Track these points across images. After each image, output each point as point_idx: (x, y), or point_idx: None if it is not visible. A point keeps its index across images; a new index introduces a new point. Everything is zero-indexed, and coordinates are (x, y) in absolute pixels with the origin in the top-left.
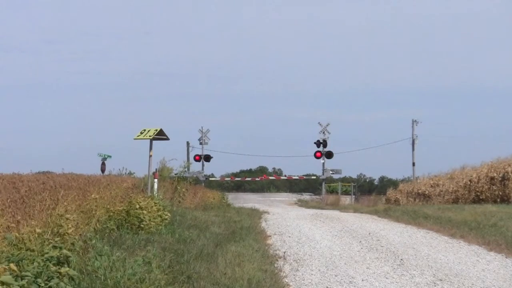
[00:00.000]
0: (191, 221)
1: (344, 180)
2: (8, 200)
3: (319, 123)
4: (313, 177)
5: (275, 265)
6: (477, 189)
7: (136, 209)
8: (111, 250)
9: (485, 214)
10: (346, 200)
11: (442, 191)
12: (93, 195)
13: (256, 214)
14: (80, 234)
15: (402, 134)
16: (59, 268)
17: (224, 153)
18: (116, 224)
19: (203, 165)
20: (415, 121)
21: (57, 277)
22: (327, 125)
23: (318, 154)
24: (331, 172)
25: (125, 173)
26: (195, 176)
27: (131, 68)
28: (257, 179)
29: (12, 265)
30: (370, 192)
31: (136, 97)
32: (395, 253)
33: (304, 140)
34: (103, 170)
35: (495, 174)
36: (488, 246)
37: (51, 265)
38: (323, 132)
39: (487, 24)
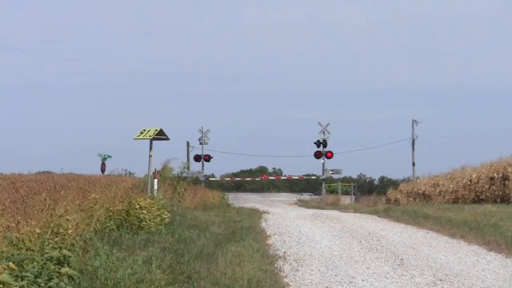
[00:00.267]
0: (191, 221)
1: (344, 180)
2: (8, 200)
3: (319, 123)
4: (313, 177)
5: (275, 265)
6: (477, 189)
7: (136, 209)
8: (111, 250)
9: (485, 214)
10: (346, 200)
11: (442, 191)
12: (93, 195)
13: (256, 214)
14: (80, 234)
15: (402, 134)
16: (59, 268)
17: (224, 153)
18: (116, 224)
19: (203, 165)
20: (415, 121)
21: (57, 277)
22: (327, 125)
23: (318, 154)
24: (331, 172)
25: (125, 173)
26: (195, 176)
27: (131, 68)
28: (257, 179)
29: (12, 264)
30: (370, 192)
31: (136, 97)
32: (395, 253)
33: (304, 140)
34: (103, 170)
35: (495, 174)
36: (488, 246)
37: (51, 265)
38: (323, 132)
39: (487, 24)
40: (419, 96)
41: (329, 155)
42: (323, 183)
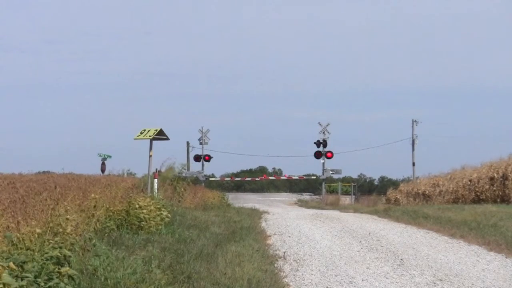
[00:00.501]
0: (191, 221)
1: (344, 180)
2: (8, 200)
3: (319, 123)
4: (313, 177)
5: (275, 265)
6: (477, 189)
7: (136, 209)
8: (110, 250)
9: (485, 214)
10: (346, 200)
11: (442, 191)
12: (93, 195)
13: (256, 214)
14: (80, 234)
15: (402, 134)
16: (59, 268)
17: (224, 153)
18: (116, 224)
19: (203, 165)
20: (415, 121)
21: (57, 277)
22: (327, 125)
23: (318, 154)
24: (331, 172)
25: (125, 173)
26: (195, 176)
27: (131, 68)
28: (257, 179)
29: (12, 264)
30: (370, 192)
31: (136, 97)
32: (395, 253)
33: (304, 140)
34: (103, 170)
35: (495, 174)
36: (488, 246)
37: (50, 265)
38: (323, 132)
39: (487, 24)
40: (419, 96)
41: (329, 155)
42: (323, 183)
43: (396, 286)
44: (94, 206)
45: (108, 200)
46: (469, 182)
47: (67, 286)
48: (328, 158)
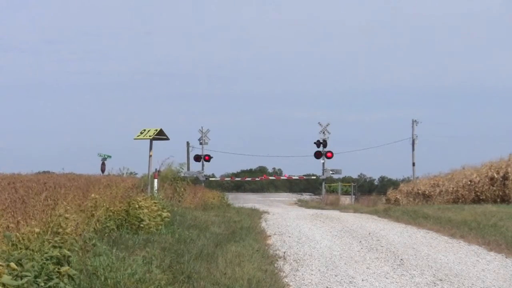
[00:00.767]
0: (191, 221)
1: (344, 180)
2: (8, 200)
3: (319, 123)
4: (313, 177)
5: (275, 265)
6: (477, 189)
7: (136, 208)
8: (110, 250)
9: (485, 214)
10: (346, 200)
11: (442, 191)
12: (92, 195)
13: (256, 214)
14: (80, 234)
15: (402, 134)
16: (58, 268)
17: (224, 153)
18: (116, 224)
19: (203, 165)
20: (415, 121)
21: (57, 277)
22: (327, 125)
23: (318, 154)
24: (331, 172)
25: (126, 172)
26: (195, 176)
27: (131, 68)
28: (257, 179)
29: (13, 264)
30: (370, 192)
31: (136, 97)
32: (395, 253)
33: (304, 140)
34: (103, 170)
35: (495, 174)
36: (488, 246)
37: (50, 265)
38: (323, 132)
39: (487, 24)
40: (419, 96)
41: (329, 155)
42: (323, 183)
43: (396, 286)
44: (94, 206)
45: (108, 200)
46: (469, 182)
47: (67, 286)
48: (328, 158)
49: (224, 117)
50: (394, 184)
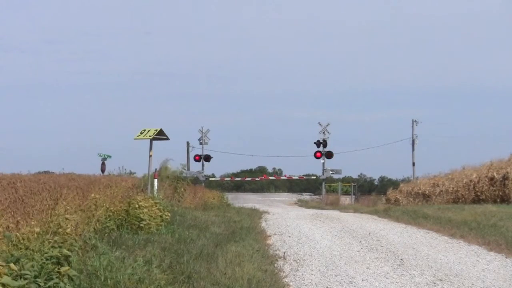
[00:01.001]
0: (191, 221)
1: (344, 180)
2: (8, 201)
3: (319, 123)
4: (313, 177)
5: (275, 265)
6: (477, 189)
7: (136, 208)
8: (110, 250)
9: (485, 214)
10: (346, 200)
11: (442, 191)
12: (92, 195)
13: (256, 214)
14: (80, 234)
15: (402, 134)
16: (58, 268)
17: (224, 153)
18: (116, 224)
19: (203, 165)
20: (415, 121)
21: (57, 277)
22: (327, 125)
23: (318, 154)
24: (331, 172)
25: (125, 172)
26: (195, 176)
27: (131, 68)
28: (257, 179)
29: (13, 265)
30: (370, 192)
31: (136, 97)
32: (395, 253)
33: (304, 140)
34: (103, 170)
35: (495, 174)
36: (488, 246)
37: (50, 265)
38: (323, 132)
39: (487, 24)
40: (419, 96)
41: (329, 155)
42: (323, 183)
43: (396, 286)
44: (94, 206)
45: (108, 200)
46: (469, 182)
47: (67, 286)
48: (328, 158)
49: (224, 117)
50: (394, 184)
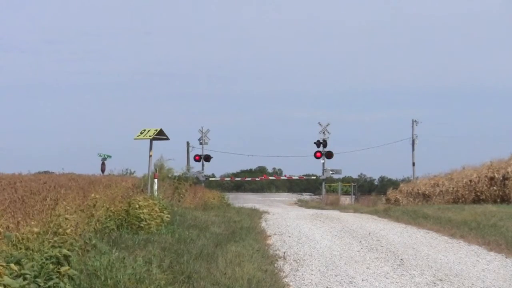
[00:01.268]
0: (191, 221)
1: (344, 180)
2: (8, 201)
3: (319, 123)
4: (313, 177)
5: (275, 265)
6: (477, 189)
7: (136, 209)
8: (111, 250)
9: (485, 214)
10: (346, 200)
11: (442, 191)
12: (92, 195)
13: (256, 214)
14: (80, 234)
15: (402, 134)
16: (58, 268)
17: (224, 153)
18: (116, 224)
19: (203, 165)
20: (415, 121)
21: (57, 276)
22: (327, 125)
23: (318, 154)
24: (331, 172)
25: (127, 172)
26: (195, 176)
27: (131, 68)
28: (257, 179)
29: (14, 266)
30: (370, 192)
31: (136, 97)
32: (395, 253)
33: (304, 140)
34: (103, 170)
35: (495, 174)
36: (488, 246)
37: (50, 265)
38: (323, 132)
39: (487, 24)
40: (419, 96)
41: (329, 155)
42: (323, 183)
43: (396, 286)
44: (94, 206)
45: (108, 200)
46: (469, 182)
47: (67, 286)
48: (328, 158)
49: (224, 117)
50: (394, 184)
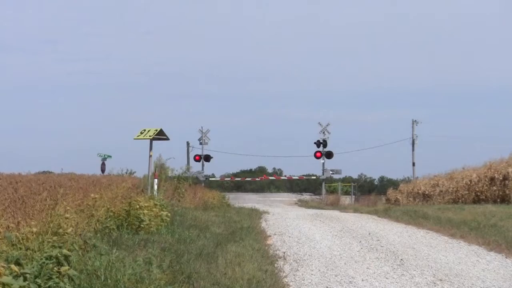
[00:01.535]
0: (191, 221)
1: (344, 180)
2: (8, 201)
3: (319, 123)
4: (313, 177)
5: (275, 265)
6: (477, 189)
7: (136, 209)
8: (111, 250)
9: (485, 214)
10: (346, 200)
11: (442, 191)
12: (92, 195)
13: (256, 214)
14: (80, 234)
15: (402, 134)
16: (58, 268)
17: (224, 153)
18: (116, 224)
19: (203, 165)
20: (415, 121)
21: (57, 276)
22: (327, 125)
23: (318, 154)
24: (331, 172)
25: (126, 172)
26: (195, 176)
27: (131, 68)
28: (257, 179)
29: (14, 267)
30: (370, 192)
31: (136, 97)
32: (395, 253)
33: (304, 140)
34: (103, 170)
35: (495, 174)
36: (488, 246)
37: (50, 265)
38: (323, 132)
39: (487, 24)
40: (419, 96)
41: (329, 155)
42: (323, 183)
43: (396, 286)
44: (94, 206)
45: (108, 200)
46: (469, 182)
47: (66, 286)
48: (328, 158)
49: (224, 117)
50: (394, 184)
